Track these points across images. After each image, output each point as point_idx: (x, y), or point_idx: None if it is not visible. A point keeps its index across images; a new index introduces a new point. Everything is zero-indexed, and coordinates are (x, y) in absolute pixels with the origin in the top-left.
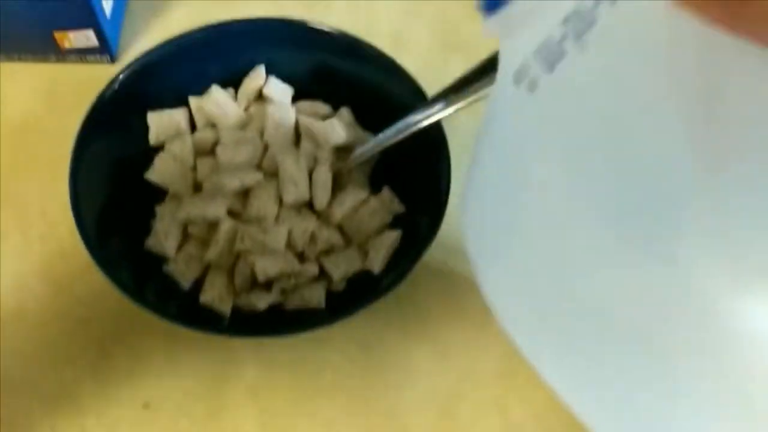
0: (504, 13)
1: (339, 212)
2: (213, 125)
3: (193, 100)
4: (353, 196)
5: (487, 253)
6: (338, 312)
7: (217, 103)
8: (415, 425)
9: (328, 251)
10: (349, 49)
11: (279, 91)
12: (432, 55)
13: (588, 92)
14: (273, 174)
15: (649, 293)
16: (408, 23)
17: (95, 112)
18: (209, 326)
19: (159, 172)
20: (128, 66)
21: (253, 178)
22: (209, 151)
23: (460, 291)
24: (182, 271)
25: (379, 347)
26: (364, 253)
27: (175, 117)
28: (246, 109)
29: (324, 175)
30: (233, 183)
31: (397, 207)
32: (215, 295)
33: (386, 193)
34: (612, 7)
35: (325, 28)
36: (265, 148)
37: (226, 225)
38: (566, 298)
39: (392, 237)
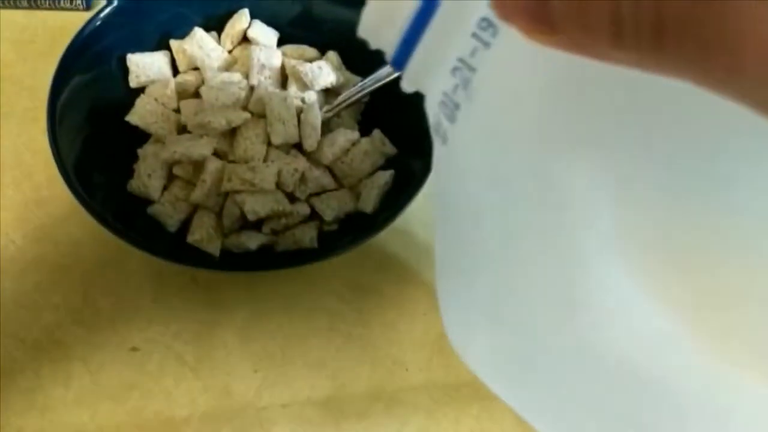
0: (411, 68)
1: (329, 153)
2: (196, 68)
3: (174, 43)
4: (344, 137)
5: (461, 321)
6: (331, 248)
7: (201, 45)
8: (411, 362)
9: (319, 192)
10: None
11: (264, 33)
12: None
13: (475, 143)
14: (260, 115)
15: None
16: None
17: (71, 53)
18: (199, 261)
19: (140, 114)
20: (104, 7)
21: (239, 116)
22: (193, 94)
23: None
24: (168, 213)
25: (373, 289)
26: (356, 195)
27: (157, 59)
28: (230, 51)
29: (313, 116)
30: (220, 122)
31: (389, 149)
32: (203, 235)
33: (377, 134)
34: (486, 52)
35: None
36: (251, 89)
37: (213, 165)
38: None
39: (385, 177)
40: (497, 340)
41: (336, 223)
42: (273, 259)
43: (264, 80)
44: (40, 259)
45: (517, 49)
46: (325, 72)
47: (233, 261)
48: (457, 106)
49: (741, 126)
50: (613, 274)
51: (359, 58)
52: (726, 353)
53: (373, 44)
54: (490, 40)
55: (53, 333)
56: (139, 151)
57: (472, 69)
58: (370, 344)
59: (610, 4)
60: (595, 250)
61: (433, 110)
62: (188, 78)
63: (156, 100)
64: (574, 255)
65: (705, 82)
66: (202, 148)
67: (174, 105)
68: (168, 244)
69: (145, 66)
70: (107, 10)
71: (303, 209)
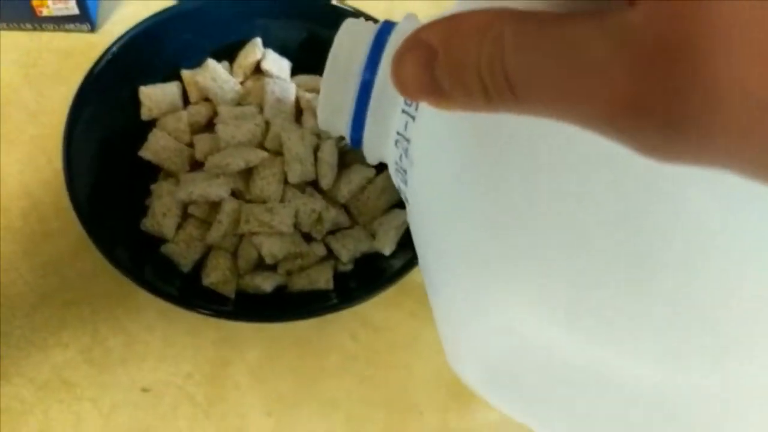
0: (366, 146)
1: (346, 191)
2: (207, 99)
3: (186, 74)
4: (360, 175)
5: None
6: (349, 298)
7: (213, 76)
8: (426, 404)
9: (335, 231)
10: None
11: (278, 65)
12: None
13: (421, 202)
14: (277, 152)
15: None
16: None
17: (86, 88)
18: (214, 309)
19: (153, 150)
20: (118, 39)
21: (257, 156)
22: (204, 125)
23: None
24: (182, 253)
25: (386, 327)
26: (372, 233)
27: (169, 91)
28: (242, 83)
29: (329, 153)
30: (238, 164)
31: None
32: (219, 278)
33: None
34: (413, 123)
35: (326, 1)
36: (267, 124)
37: (230, 205)
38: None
39: (402, 216)
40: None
41: (351, 262)
42: (289, 306)
43: (279, 115)
44: (49, 294)
45: (432, 116)
46: None
47: (247, 306)
48: (405, 172)
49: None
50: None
51: None
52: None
53: (333, 133)
54: (414, 113)
55: (62, 372)
56: (153, 188)
57: (407, 140)
58: (382, 386)
59: (476, 70)
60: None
61: (393, 176)
62: (200, 109)
63: (169, 134)
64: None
65: (582, 124)
66: (220, 188)
67: (187, 139)
68: (180, 285)
69: (158, 98)
70: (120, 42)
71: (319, 250)
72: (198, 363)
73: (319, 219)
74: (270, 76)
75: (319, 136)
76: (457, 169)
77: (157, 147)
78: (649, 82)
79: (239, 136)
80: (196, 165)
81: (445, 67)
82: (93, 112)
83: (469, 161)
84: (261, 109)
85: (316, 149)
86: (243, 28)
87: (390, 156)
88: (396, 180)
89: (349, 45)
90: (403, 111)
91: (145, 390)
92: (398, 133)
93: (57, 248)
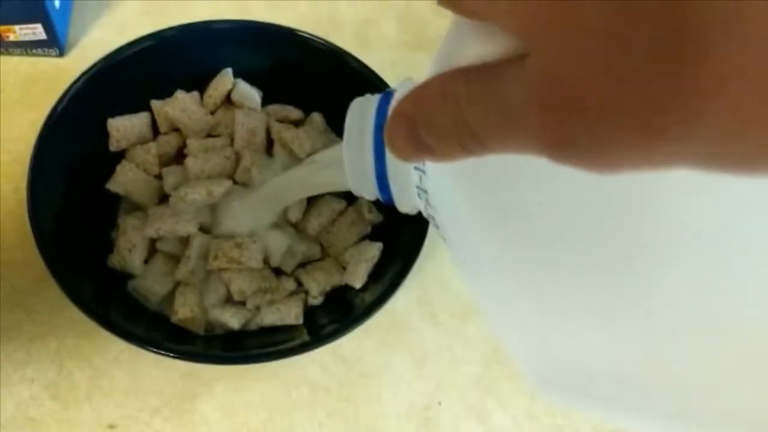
0: (397, 203)
1: (316, 223)
2: (177, 130)
3: (156, 104)
4: (329, 207)
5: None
6: (320, 337)
7: (183, 107)
8: None
9: (305, 264)
10: (316, 52)
11: (248, 95)
12: (397, 52)
13: (450, 248)
14: (246, 184)
15: None
16: (373, 19)
17: (53, 120)
18: (182, 351)
19: (121, 182)
20: (87, 70)
21: (221, 186)
22: (174, 156)
23: (436, 298)
24: (151, 289)
25: (356, 357)
26: (342, 266)
27: (137, 122)
28: (212, 113)
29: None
30: (200, 192)
31: (375, 216)
32: (188, 314)
33: (364, 201)
34: (425, 177)
35: (295, 31)
36: (237, 157)
37: (198, 240)
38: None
39: (373, 250)
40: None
41: (321, 296)
42: (259, 348)
43: (249, 147)
44: (14, 327)
45: (434, 168)
46: (310, 137)
47: (217, 347)
48: (433, 218)
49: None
50: None
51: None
52: None
53: (367, 197)
54: (423, 168)
55: (27, 410)
56: (120, 222)
57: (425, 191)
58: (353, 418)
59: (447, 128)
60: None
61: (431, 223)
62: (170, 140)
63: (137, 165)
64: None
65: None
66: (187, 224)
67: (156, 171)
68: (147, 322)
69: (126, 130)
70: (91, 72)
71: (289, 284)
72: (165, 397)
73: (290, 251)
74: (240, 106)
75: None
76: (465, 211)
77: (125, 179)
78: (557, 122)
79: (208, 170)
80: (165, 198)
81: (424, 130)
82: (60, 143)
83: (471, 204)
84: (231, 140)
85: None
86: (213, 58)
87: (419, 206)
88: (432, 225)
89: (358, 117)
90: (415, 168)
91: (111, 426)
92: (417, 187)
93: (23, 280)
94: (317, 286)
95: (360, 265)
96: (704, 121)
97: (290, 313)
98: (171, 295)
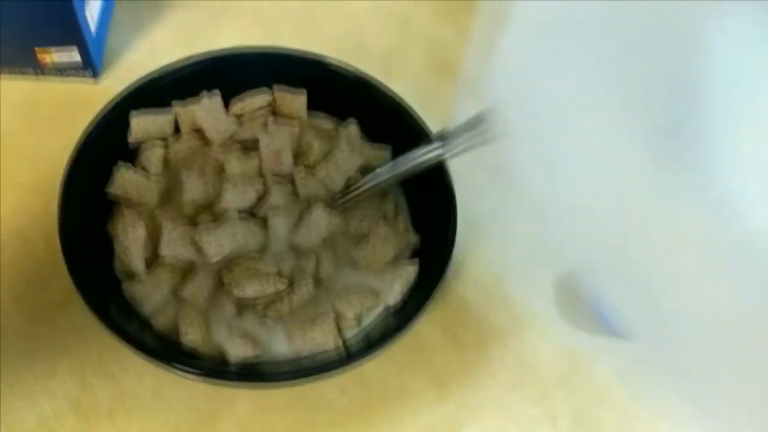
0: None
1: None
2: (197, 130)
3: (177, 103)
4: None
5: None
6: (344, 359)
7: (209, 107)
8: None
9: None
10: (355, 86)
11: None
12: (424, 79)
13: None
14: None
15: None
16: (400, 46)
17: (84, 143)
18: (206, 368)
19: (119, 184)
20: (118, 95)
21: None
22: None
23: (457, 321)
24: (146, 295)
25: (376, 380)
26: (376, 292)
27: (159, 120)
28: (239, 117)
29: (318, 218)
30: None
31: (412, 237)
32: (197, 335)
33: (400, 219)
34: None
35: (342, 67)
36: (265, 188)
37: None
38: None
39: (409, 268)
40: None
41: (357, 319)
42: (281, 372)
43: (276, 169)
44: (39, 341)
45: None
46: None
47: (238, 369)
48: None
49: None
50: None
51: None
52: None
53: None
54: None
55: (48, 422)
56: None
57: None
58: None
59: None
60: None
61: None
62: (189, 138)
63: (137, 170)
64: None
65: None
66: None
67: (156, 170)
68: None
69: (146, 124)
70: (122, 96)
71: (305, 291)
72: (186, 415)
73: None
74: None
75: (309, 201)
76: None
77: (122, 181)
78: None
79: (240, 203)
80: (166, 198)
81: None
82: (91, 163)
83: None
84: (261, 171)
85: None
86: (244, 83)
87: None
88: None
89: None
90: None
91: None
92: None
93: (50, 296)
94: (352, 309)
95: (395, 281)
96: None
97: (328, 341)
98: (164, 307)
